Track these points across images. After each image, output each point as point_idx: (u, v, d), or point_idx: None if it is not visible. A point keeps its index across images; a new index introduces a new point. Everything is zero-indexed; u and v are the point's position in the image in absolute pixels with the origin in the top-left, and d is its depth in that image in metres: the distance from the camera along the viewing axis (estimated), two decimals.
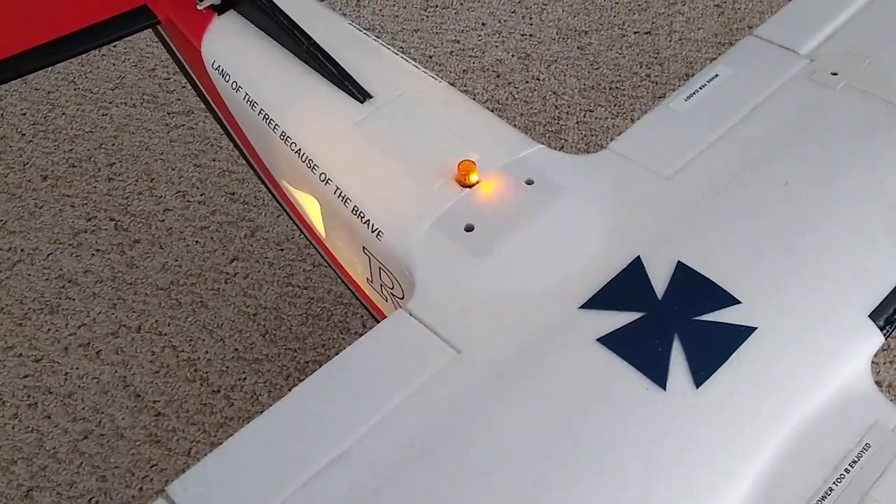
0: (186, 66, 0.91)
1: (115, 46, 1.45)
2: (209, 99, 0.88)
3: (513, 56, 1.43)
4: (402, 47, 1.45)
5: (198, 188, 1.24)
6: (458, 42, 1.46)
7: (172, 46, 0.92)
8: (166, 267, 1.14)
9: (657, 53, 1.41)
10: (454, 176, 0.70)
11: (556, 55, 1.42)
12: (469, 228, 0.67)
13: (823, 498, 0.54)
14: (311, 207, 0.79)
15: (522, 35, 1.46)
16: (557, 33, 1.46)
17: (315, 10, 0.86)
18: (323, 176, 0.74)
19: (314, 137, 0.76)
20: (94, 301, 1.11)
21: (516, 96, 1.36)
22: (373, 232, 0.70)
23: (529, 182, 0.70)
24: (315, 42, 0.78)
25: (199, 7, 0.83)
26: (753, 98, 0.78)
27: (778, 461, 0.55)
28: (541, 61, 1.41)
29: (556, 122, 1.31)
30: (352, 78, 0.77)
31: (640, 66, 1.39)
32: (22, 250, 1.17)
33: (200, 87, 0.89)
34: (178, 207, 1.22)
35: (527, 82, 1.38)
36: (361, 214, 0.71)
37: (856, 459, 0.56)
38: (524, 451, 0.55)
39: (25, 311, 1.10)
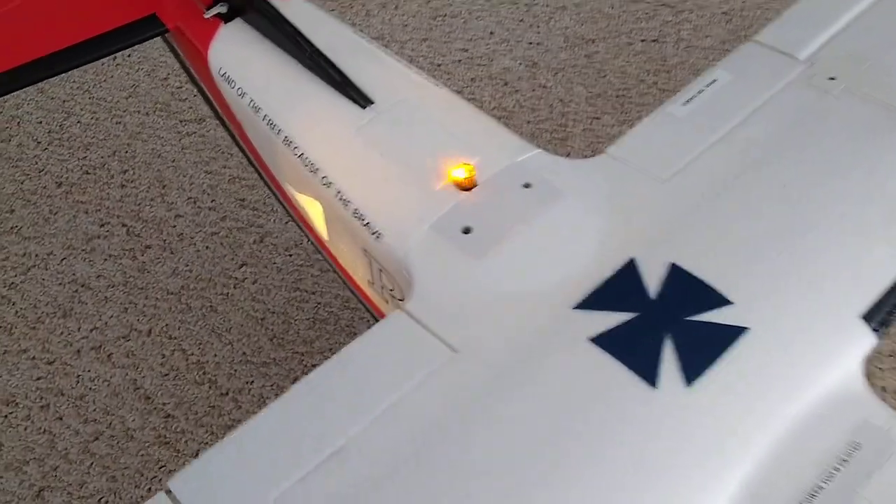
0: (194, 74, 0.93)
1: (128, 56, 1.48)
2: (216, 105, 0.90)
3: (520, 64, 1.44)
4: (410, 56, 1.47)
5: (208, 195, 1.26)
6: (467, 51, 1.47)
7: (181, 54, 0.94)
8: (177, 272, 1.16)
9: (664, 61, 1.42)
10: (452, 179, 0.71)
11: (563, 63, 1.43)
12: (467, 230, 0.68)
13: (813, 496, 0.54)
14: (314, 211, 0.80)
15: (530, 43, 1.47)
16: (565, 41, 1.47)
17: (320, 18, 0.87)
18: (325, 179, 0.75)
19: (316, 142, 0.77)
20: (106, 305, 1.13)
21: (523, 104, 1.37)
22: (372, 234, 0.71)
23: (527, 185, 0.71)
24: (318, 49, 0.80)
25: (205, 16, 0.85)
26: (751, 102, 0.78)
27: (768, 460, 0.56)
28: (548, 69, 1.43)
29: (563, 129, 1.32)
30: (353, 84, 0.78)
31: (648, 74, 1.40)
32: (36, 255, 1.19)
33: (207, 93, 0.91)
34: (189, 213, 1.24)
35: (534, 90, 1.39)
36: (361, 217, 0.72)
37: (846, 458, 0.56)
38: (517, 450, 0.56)
39: (39, 315, 1.12)
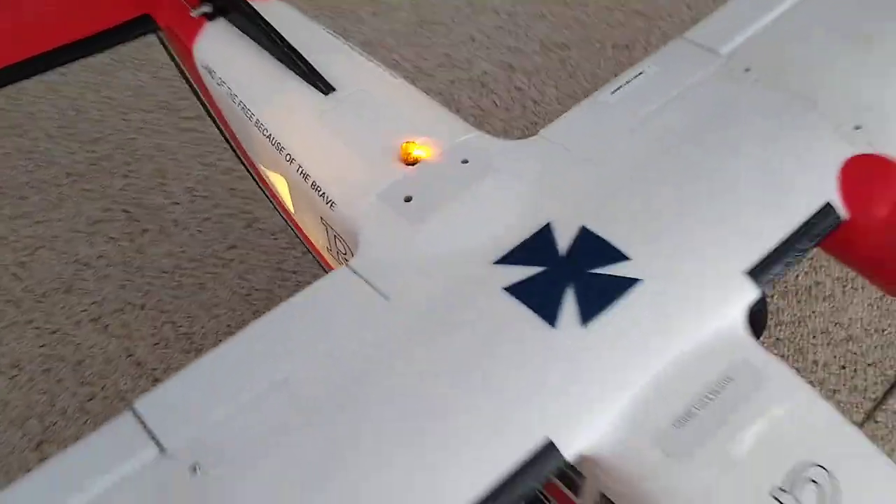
0: (183, 68, 1.03)
1: (135, 59, 1.59)
2: (201, 96, 1.01)
3: (497, 68, 1.54)
4: (396, 60, 1.57)
5: (203, 184, 1.37)
6: (449, 55, 1.57)
7: (172, 51, 1.04)
8: (171, 253, 1.27)
9: (632, 65, 1.50)
10: (399, 155, 0.80)
11: (537, 67, 1.53)
12: (408, 199, 0.77)
13: (686, 420, 0.63)
14: (281, 186, 0.90)
15: (508, 48, 1.57)
16: (540, 47, 1.57)
17: (295, 18, 0.98)
18: (288, 156, 0.85)
19: (283, 124, 0.87)
20: (105, 282, 1.23)
21: (498, 104, 1.46)
22: (327, 203, 0.81)
23: (465, 161, 0.80)
24: (288, 42, 0.90)
25: (192, 15, 0.96)
26: (672, 90, 0.87)
27: (650, 389, 0.64)
28: (523, 73, 1.52)
29: (534, 126, 1.41)
30: (318, 73, 0.88)
31: (616, 77, 1.48)
32: (44, 237, 1.30)
33: (194, 85, 1.02)
34: (185, 201, 1.34)
35: (509, 91, 1.48)
36: (318, 188, 0.82)
37: (719, 390, 0.64)
38: (433, 380, 0.64)
39: (44, 290, 1.23)
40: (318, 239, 0.88)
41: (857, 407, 1.06)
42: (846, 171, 0.77)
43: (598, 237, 0.72)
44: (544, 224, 0.73)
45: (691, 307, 0.69)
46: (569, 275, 0.69)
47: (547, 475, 0.60)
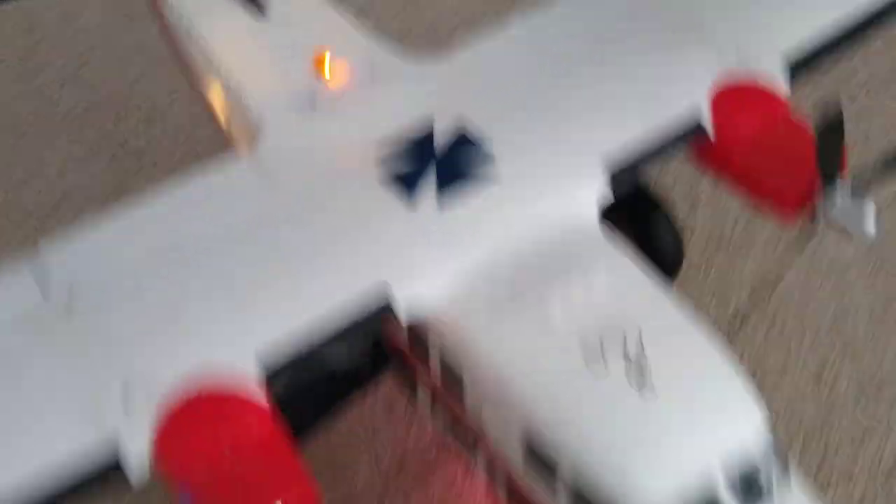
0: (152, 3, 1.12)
1: (146, 18, 1.70)
2: (163, 27, 1.10)
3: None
4: (383, 28, 1.65)
5: (185, 132, 1.46)
6: (433, 24, 1.66)
7: None
8: (146, 187, 1.36)
9: None
10: (314, 67, 0.88)
11: None
12: (313, 103, 0.85)
13: (517, 288, 0.69)
14: (217, 99, 0.98)
15: (489, 21, 1.64)
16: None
17: None
18: (220, 69, 0.93)
19: (219, 40, 0.95)
20: (84, 205, 1.33)
21: None
22: (247, 108, 0.89)
23: (374, 76, 0.88)
24: None
25: None
26: (577, 17, 0.93)
27: (491, 260, 0.70)
28: None
29: None
30: None
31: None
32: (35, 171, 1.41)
33: (159, 18, 1.10)
34: (167, 144, 1.44)
35: None
36: (241, 95, 0.90)
37: (553, 265, 0.70)
38: (289, 248, 0.72)
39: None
40: (245, 147, 0.95)
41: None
42: (719, 91, 0.82)
43: (472, 140, 0.79)
44: (428, 128, 0.80)
45: (545, 197, 0.75)
46: (437, 169, 0.76)
47: (380, 315, 0.67)
